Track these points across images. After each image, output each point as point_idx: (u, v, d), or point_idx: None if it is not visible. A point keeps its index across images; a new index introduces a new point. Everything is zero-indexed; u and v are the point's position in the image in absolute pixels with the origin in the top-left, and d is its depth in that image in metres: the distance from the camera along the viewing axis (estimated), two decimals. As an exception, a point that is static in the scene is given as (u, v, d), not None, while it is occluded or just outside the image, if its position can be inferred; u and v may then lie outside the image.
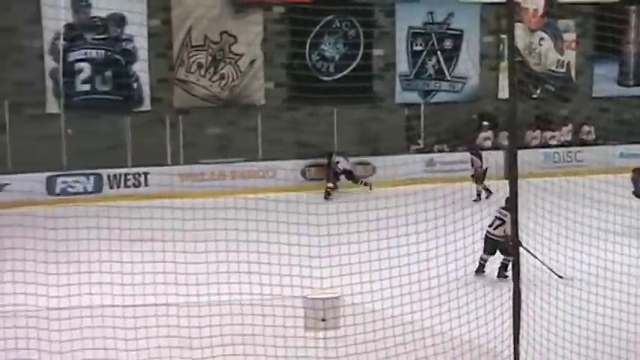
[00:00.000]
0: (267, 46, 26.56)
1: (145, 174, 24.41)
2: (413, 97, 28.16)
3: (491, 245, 16.06)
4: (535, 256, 13.68)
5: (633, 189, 19.69)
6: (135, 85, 25.80)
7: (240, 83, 26.37)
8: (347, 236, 11.09)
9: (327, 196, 23.81)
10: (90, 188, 24.10)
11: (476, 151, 24.61)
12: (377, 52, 27.80)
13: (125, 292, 11.13)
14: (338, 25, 27.17)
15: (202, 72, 26.13)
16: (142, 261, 11.11)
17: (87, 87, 25.58)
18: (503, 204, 15.21)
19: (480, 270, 16.17)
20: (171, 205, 11.85)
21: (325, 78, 27.05)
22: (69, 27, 25.14)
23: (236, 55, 26.25)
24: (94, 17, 25.47)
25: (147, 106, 25.93)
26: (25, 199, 21.49)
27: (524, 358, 10.60)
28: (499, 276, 15.85)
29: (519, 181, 10.07)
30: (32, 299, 11.21)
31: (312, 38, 26.87)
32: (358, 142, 25.54)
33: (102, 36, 25.60)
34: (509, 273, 13.53)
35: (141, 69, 25.84)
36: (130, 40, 25.73)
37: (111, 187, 24.31)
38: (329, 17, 26.82)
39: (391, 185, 18.06)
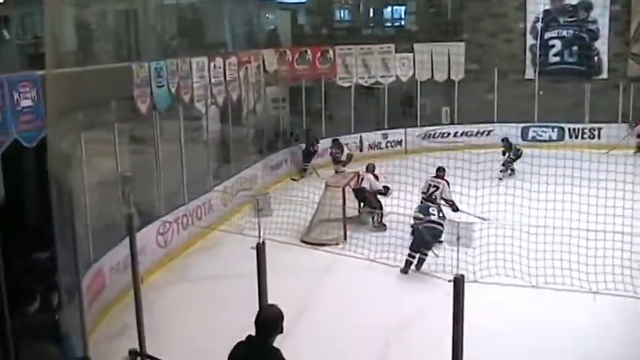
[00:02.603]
0: None
1: (599, 129, 23.53)
2: None
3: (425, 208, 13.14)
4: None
5: None
6: (596, 59, 24.78)
7: (690, 57, 24.12)
8: None
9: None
10: (554, 137, 23.83)
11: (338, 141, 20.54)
12: None
13: (589, 219, 10.77)
14: None
15: (655, 47, 24.33)
16: (597, 195, 10.76)
17: (557, 59, 25.09)
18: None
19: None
20: (615, 154, 11.15)
21: None
22: (546, 12, 24.86)
23: (685, 33, 24.01)
24: (567, 4, 24.85)
25: (604, 74, 24.75)
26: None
27: None
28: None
29: None
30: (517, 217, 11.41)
31: None
32: None
33: (572, 19, 24.91)
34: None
35: (601, 45, 24.70)
36: (594, 22, 24.75)
37: (570, 137, 23.68)
38: None
39: None
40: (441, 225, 12.69)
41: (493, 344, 9.06)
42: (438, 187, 14.04)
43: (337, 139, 20.69)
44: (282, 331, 5.00)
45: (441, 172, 14.36)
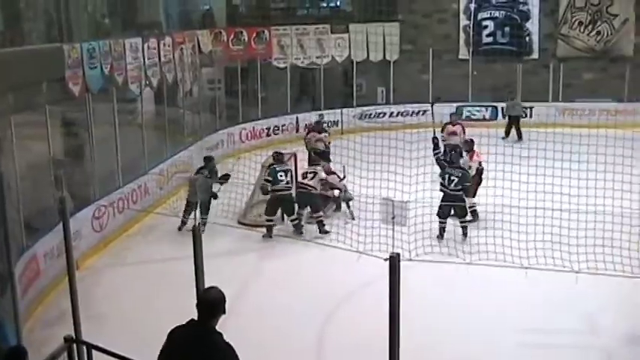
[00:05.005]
0: (639, 7, 24.43)
1: (531, 108, 23.89)
2: None
3: (306, 197, 13.34)
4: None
5: None
6: (527, 39, 25.29)
7: (613, 38, 24.74)
8: None
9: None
10: (488, 116, 24.28)
11: None
12: None
13: (520, 196, 10.99)
14: None
15: (582, 29, 24.92)
16: (535, 173, 10.97)
17: (490, 39, 25.55)
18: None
19: (299, 229, 13.26)
20: (553, 132, 11.41)
21: (690, 33, 24.33)
22: (475, -7, 25.36)
23: (611, 15, 24.62)
24: (499, -14, 25.26)
25: (535, 54, 25.27)
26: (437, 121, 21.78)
27: None
28: (321, 232, 13.06)
29: None
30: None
31: (683, -1, 24.33)
32: None
33: (504, 0, 25.21)
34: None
35: (532, 25, 25.24)
36: (525, 3, 25.29)
37: (503, 116, 23.82)
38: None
39: None
40: (289, 189, 13.02)
41: (429, 321, 9.24)
42: (315, 173, 13.72)
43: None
44: (224, 312, 4.99)
45: (315, 161, 14.19)
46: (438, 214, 12.28)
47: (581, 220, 10.42)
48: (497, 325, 9.34)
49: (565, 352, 8.67)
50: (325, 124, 19.41)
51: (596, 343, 8.93)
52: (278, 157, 13.81)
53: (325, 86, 23.68)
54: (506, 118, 22.72)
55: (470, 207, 13.17)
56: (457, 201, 12.25)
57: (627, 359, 8.37)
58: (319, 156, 15.50)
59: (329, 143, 16.34)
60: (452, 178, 12.29)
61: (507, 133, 22.10)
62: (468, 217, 12.62)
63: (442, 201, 12.32)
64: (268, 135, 21.81)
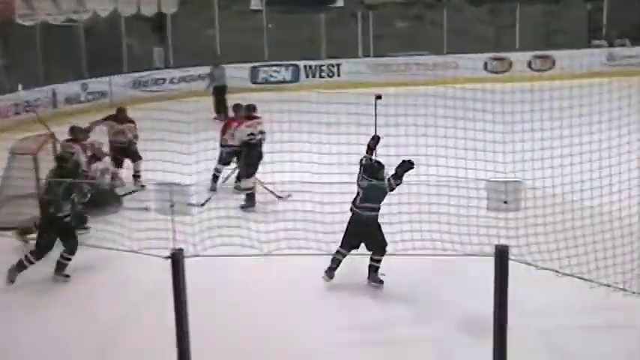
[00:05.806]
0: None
1: (338, 65, 24.74)
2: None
3: None
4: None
5: None
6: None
7: (428, -21, 26.06)
8: (530, 124, 11.13)
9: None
10: (288, 77, 24.73)
11: None
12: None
13: (321, 171, 11.29)
14: None
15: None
16: (337, 142, 11.39)
17: (286, -15, 25.95)
18: None
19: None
20: (360, 94, 11.84)
21: (509, -24, 26.09)
22: None
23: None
24: None
25: (340, 2, 26.05)
26: (231, 85, 22.00)
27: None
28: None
29: None
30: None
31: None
32: (539, 36, 24.76)
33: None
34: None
35: (337, -33, 25.90)
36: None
37: (307, 77, 24.70)
38: None
39: (569, 78, 17.52)
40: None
41: (224, 320, 9.38)
42: (72, 154, 13.01)
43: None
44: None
45: (76, 134, 13.57)
46: (342, 243, 10.29)
47: (393, 193, 10.85)
48: (309, 322, 9.58)
49: (390, 348, 9.08)
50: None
51: (425, 332, 9.40)
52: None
53: (88, 49, 23.24)
54: (211, 90, 21.64)
55: (246, 190, 13.31)
56: (370, 226, 10.24)
57: (459, 344, 8.90)
58: (125, 153, 14.51)
59: (135, 137, 14.78)
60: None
61: (218, 109, 20.96)
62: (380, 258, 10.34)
63: (349, 224, 10.28)
64: (17, 113, 21.09)
